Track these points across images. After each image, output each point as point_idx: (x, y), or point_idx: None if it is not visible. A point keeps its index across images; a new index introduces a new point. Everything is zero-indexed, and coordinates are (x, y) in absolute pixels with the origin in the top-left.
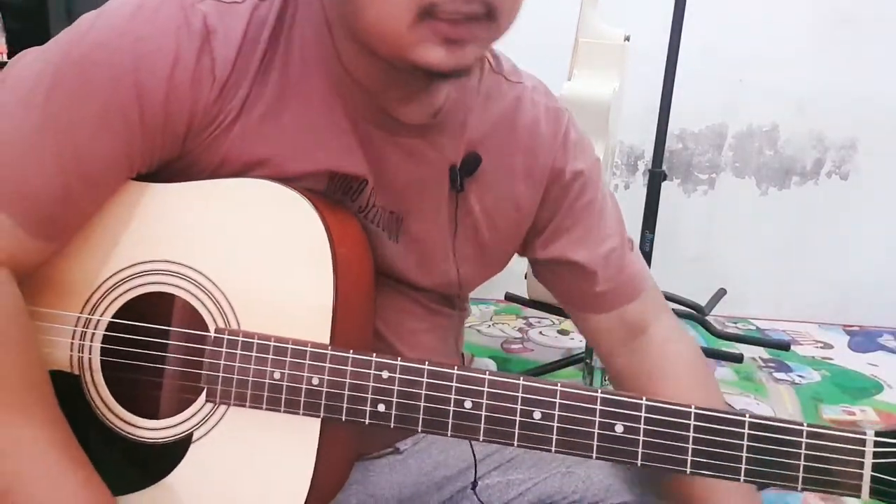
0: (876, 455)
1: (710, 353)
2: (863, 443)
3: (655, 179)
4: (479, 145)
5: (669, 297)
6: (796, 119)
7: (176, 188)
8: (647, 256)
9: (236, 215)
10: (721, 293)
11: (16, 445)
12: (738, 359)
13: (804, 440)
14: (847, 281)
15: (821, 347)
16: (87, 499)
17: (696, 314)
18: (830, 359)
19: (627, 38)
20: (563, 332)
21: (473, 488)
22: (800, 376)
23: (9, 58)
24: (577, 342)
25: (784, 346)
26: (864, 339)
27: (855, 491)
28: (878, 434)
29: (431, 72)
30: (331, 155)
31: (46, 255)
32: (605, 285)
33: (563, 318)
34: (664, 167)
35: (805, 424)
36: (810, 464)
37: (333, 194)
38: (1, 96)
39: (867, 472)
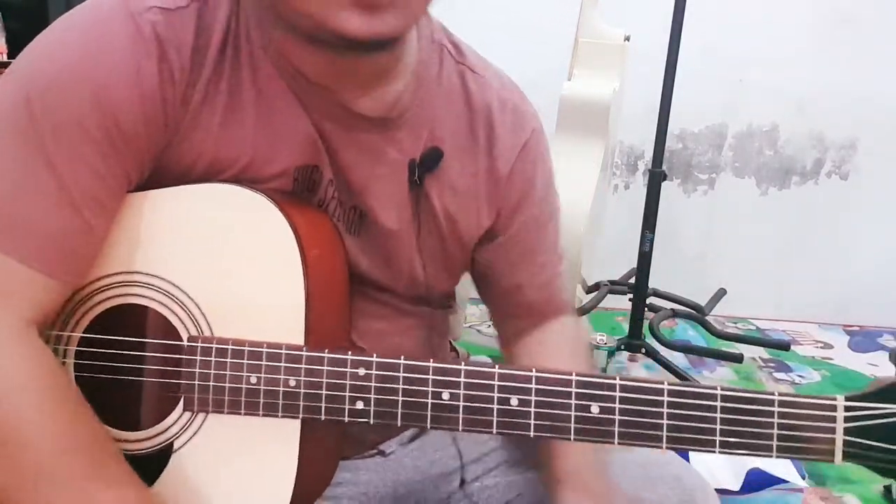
0: (847, 419)
1: (710, 353)
2: (833, 408)
3: (655, 179)
4: (441, 140)
5: (669, 297)
6: (796, 119)
7: (139, 197)
8: (647, 256)
9: (203, 222)
10: (721, 293)
11: None
12: (738, 359)
13: (776, 409)
14: (847, 281)
15: (821, 347)
16: None
17: (696, 314)
18: (830, 359)
19: (627, 38)
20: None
21: (461, 486)
22: (800, 376)
23: (9, 58)
24: None
25: (784, 346)
26: (864, 339)
27: (828, 455)
28: (847, 398)
29: (349, 39)
30: (293, 151)
31: (69, 291)
32: (531, 297)
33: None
34: (664, 167)
35: (776, 393)
36: (783, 431)
37: (301, 192)
38: None
39: (839, 437)
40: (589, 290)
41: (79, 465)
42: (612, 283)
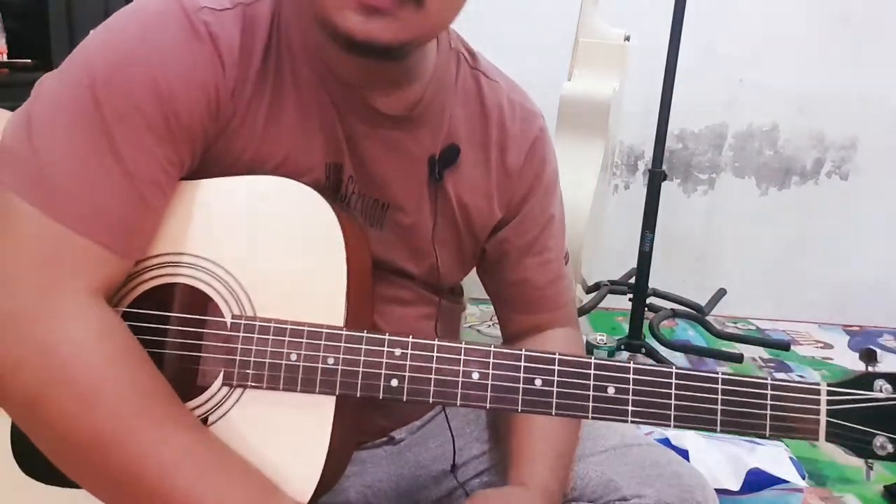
0: (829, 403)
1: (710, 353)
2: (818, 392)
3: (655, 179)
4: (458, 138)
5: (669, 297)
6: (796, 119)
7: (190, 185)
8: (647, 256)
9: (250, 209)
10: (721, 293)
11: (185, 455)
12: (738, 359)
13: (769, 392)
14: (847, 281)
15: (821, 347)
16: (255, 483)
17: (696, 314)
18: (830, 359)
19: (627, 38)
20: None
21: (452, 471)
22: (800, 376)
23: (9, 58)
24: None
25: (784, 346)
26: (864, 340)
27: (813, 435)
28: (829, 385)
29: (348, 39)
30: (323, 147)
31: (131, 265)
32: (535, 293)
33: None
34: (664, 167)
35: (769, 379)
36: (775, 412)
37: (329, 187)
38: (45, 130)
39: (822, 419)
40: (589, 290)
41: (151, 409)
42: (612, 283)
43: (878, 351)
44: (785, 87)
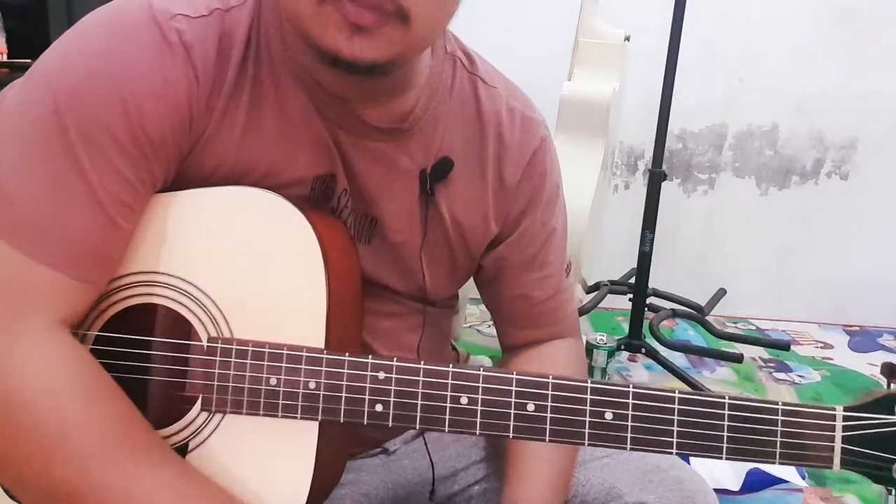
0: (845, 428)
1: (710, 353)
2: (833, 417)
3: (655, 179)
4: (451, 150)
5: (669, 297)
6: (796, 119)
7: (164, 198)
8: (647, 256)
9: (224, 224)
10: (721, 293)
11: (163, 490)
12: (738, 359)
13: (780, 417)
14: (847, 281)
15: (821, 347)
16: None
17: (696, 314)
18: (830, 359)
19: (627, 38)
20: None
21: (430, 497)
22: (800, 376)
23: (9, 58)
24: None
25: (784, 346)
26: (864, 339)
27: (827, 462)
28: (846, 409)
29: (335, 58)
30: (311, 159)
31: (99, 292)
32: (534, 309)
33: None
34: (664, 167)
35: (780, 403)
36: (786, 439)
37: (317, 200)
38: (6, 153)
39: (837, 445)
40: (589, 290)
41: (123, 447)
42: (612, 283)
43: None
44: (785, 87)
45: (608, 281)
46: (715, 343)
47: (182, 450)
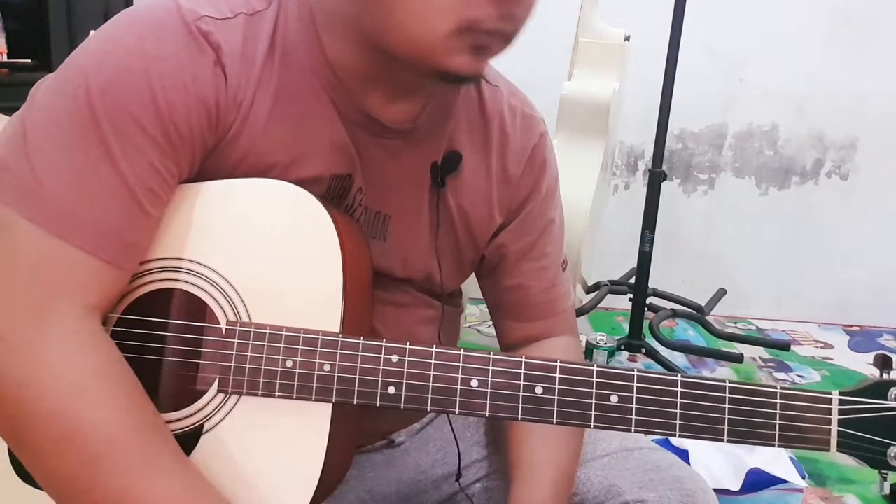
0: (841, 412)
1: (710, 353)
2: (829, 401)
3: (655, 179)
4: (459, 145)
5: (669, 297)
6: (796, 119)
7: (187, 189)
8: (647, 256)
9: (246, 214)
10: (721, 293)
11: (168, 498)
12: (738, 359)
13: (778, 401)
14: (847, 281)
15: (821, 347)
16: None
17: (696, 314)
18: (830, 359)
19: (627, 38)
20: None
21: (458, 479)
22: (800, 376)
23: (9, 58)
24: None
25: (784, 346)
26: (864, 339)
27: (824, 445)
28: (841, 393)
29: (454, 77)
30: (329, 158)
31: (129, 277)
32: (531, 299)
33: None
34: (664, 167)
35: (778, 387)
36: (784, 422)
37: (333, 198)
38: (40, 142)
39: (834, 428)
40: (589, 290)
41: (133, 457)
42: (612, 283)
43: (894, 357)
44: (785, 87)
45: (608, 281)
46: (715, 343)
47: (197, 431)
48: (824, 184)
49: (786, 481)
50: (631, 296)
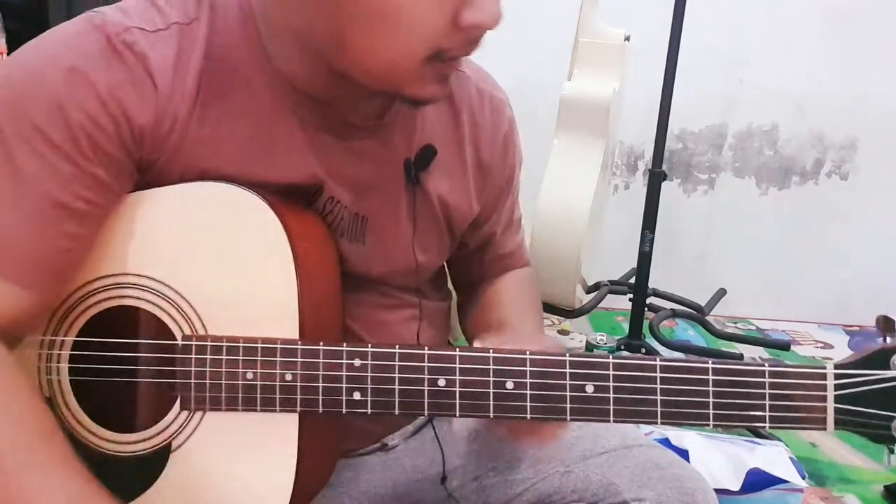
0: (838, 387)
1: (710, 353)
2: (824, 376)
3: (655, 179)
4: (431, 138)
5: (669, 297)
6: (796, 119)
7: (128, 198)
8: (647, 256)
9: (189, 220)
10: (721, 293)
11: (47, 490)
12: (738, 359)
13: (767, 379)
14: (847, 281)
15: (821, 347)
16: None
17: (696, 314)
18: (830, 359)
19: (627, 38)
20: (562, 332)
21: (443, 482)
22: None
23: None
24: (576, 342)
25: (784, 346)
26: (864, 339)
27: (820, 423)
28: (837, 366)
29: (421, 102)
30: (286, 168)
31: (49, 299)
32: (502, 249)
33: (562, 319)
34: (664, 167)
35: (767, 364)
36: (775, 402)
37: (295, 203)
38: None
39: (830, 405)
40: (589, 290)
41: (23, 455)
42: (612, 283)
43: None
44: (785, 87)
45: (608, 281)
46: (715, 343)
47: (165, 450)
48: (824, 184)
49: (786, 481)
50: (631, 296)
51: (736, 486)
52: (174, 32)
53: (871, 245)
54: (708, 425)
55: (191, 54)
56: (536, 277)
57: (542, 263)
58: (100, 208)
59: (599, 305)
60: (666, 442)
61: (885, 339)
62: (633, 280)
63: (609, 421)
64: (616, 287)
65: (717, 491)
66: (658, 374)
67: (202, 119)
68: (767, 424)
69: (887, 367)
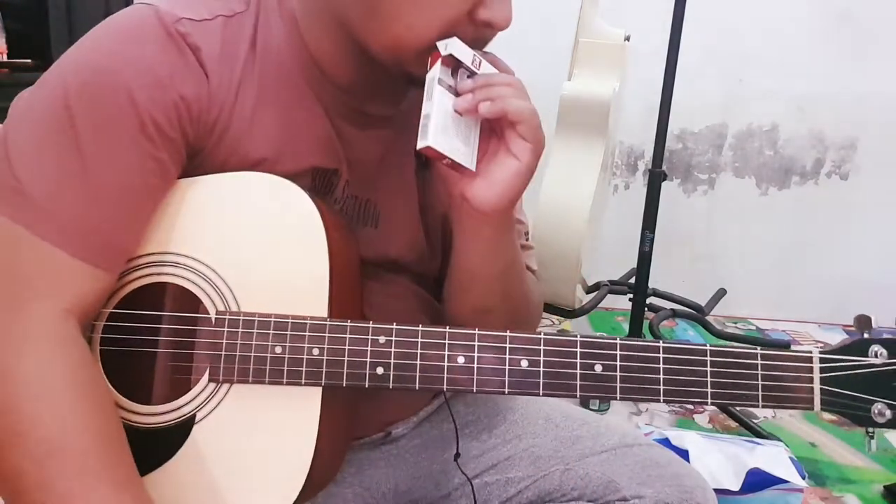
0: (823, 370)
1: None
2: (810, 359)
3: (655, 179)
4: None
5: (669, 297)
6: (796, 119)
7: (176, 185)
8: (647, 256)
9: (231, 205)
10: (721, 293)
11: None
12: (785, 348)
13: (759, 362)
14: (847, 281)
15: (821, 347)
16: None
17: (696, 314)
18: None
19: (627, 38)
20: (563, 333)
21: (456, 459)
22: None
23: (9, 58)
24: None
25: (784, 347)
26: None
27: (808, 404)
28: (822, 352)
29: (418, 82)
30: (313, 152)
31: (113, 279)
32: None
33: (562, 319)
34: (664, 167)
35: (759, 349)
36: (767, 383)
37: (318, 191)
38: (20, 144)
39: (816, 386)
40: (589, 290)
41: (80, 460)
42: (612, 283)
43: (873, 317)
44: (785, 87)
45: (608, 281)
46: (715, 343)
47: (190, 420)
48: (824, 184)
49: (786, 481)
50: (631, 296)
51: (736, 486)
52: (219, 24)
53: (871, 245)
54: (706, 402)
55: (236, 45)
56: (539, 287)
57: (542, 263)
58: (161, 192)
59: (599, 305)
60: (666, 442)
61: (862, 335)
62: (633, 280)
63: (616, 398)
64: (616, 287)
65: (717, 491)
66: (661, 356)
67: (244, 107)
68: (760, 403)
69: (866, 356)
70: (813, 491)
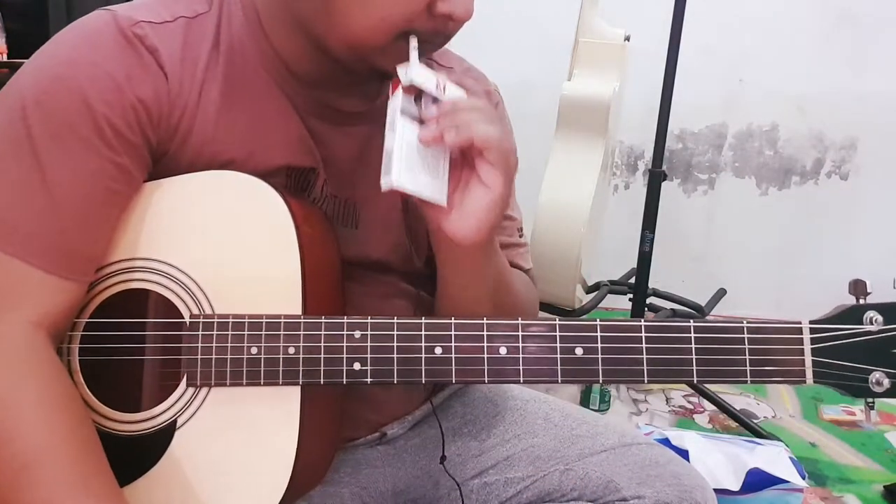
0: (814, 341)
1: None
2: (800, 331)
3: (655, 179)
4: None
5: (669, 297)
6: (796, 119)
7: (141, 189)
8: (647, 256)
9: (199, 206)
10: (721, 293)
11: None
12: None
13: (745, 335)
14: (847, 281)
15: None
16: None
17: (696, 314)
18: None
19: (627, 38)
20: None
21: (441, 462)
22: None
23: (9, 58)
24: None
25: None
26: None
27: (800, 377)
28: (812, 322)
29: (388, 76)
30: (285, 151)
31: (84, 289)
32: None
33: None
34: (664, 167)
35: (745, 322)
36: (755, 356)
37: (294, 190)
38: None
39: (808, 358)
40: (589, 290)
41: (59, 471)
42: (612, 283)
43: (868, 282)
44: (785, 87)
45: (608, 281)
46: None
47: (171, 426)
48: (824, 184)
49: (786, 481)
50: (631, 296)
51: (736, 486)
52: (180, 25)
53: (871, 245)
54: (692, 380)
55: (197, 46)
56: (532, 286)
57: (542, 263)
58: (125, 198)
59: (599, 305)
60: (666, 442)
61: (857, 301)
62: (633, 280)
63: (598, 381)
64: (616, 287)
65: (717, 491)
66: (643, 335)
67: (209, 108)
68: (749, 379)
69: (860, 324)
70: (813, 491)
